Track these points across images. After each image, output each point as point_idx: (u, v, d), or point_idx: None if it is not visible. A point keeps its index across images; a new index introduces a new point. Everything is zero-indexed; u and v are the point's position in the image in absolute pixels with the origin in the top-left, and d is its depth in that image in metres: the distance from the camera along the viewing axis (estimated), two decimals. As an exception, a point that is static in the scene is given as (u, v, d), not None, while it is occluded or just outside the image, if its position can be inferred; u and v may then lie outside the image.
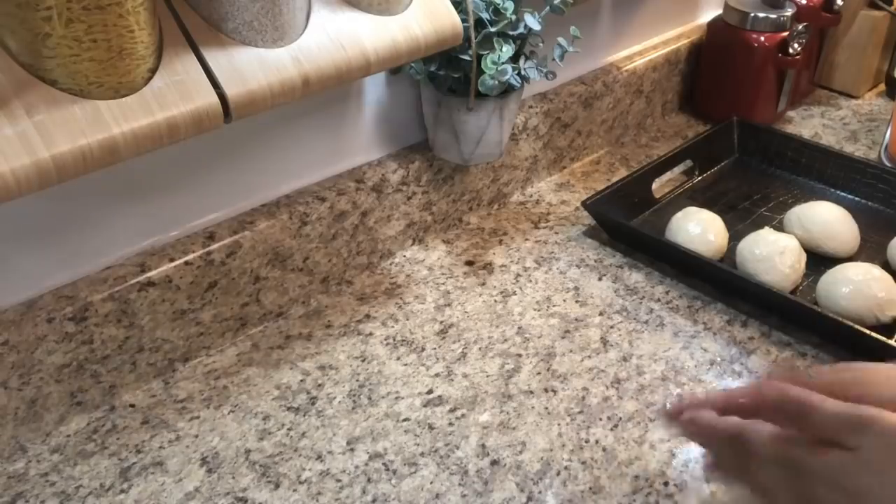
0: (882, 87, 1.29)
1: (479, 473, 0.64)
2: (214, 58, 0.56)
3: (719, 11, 1.15)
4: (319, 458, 0.65)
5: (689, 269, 0.85)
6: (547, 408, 0.70)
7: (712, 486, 0.61)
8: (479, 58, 0.75)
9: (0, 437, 0.64)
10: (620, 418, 0.69)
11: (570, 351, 0.76)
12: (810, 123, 1.19)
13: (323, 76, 0.61)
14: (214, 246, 0.71)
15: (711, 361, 0.75)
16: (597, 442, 0.67)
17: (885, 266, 0.82)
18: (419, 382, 0.72)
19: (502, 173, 0.97)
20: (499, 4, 0.75)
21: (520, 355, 0.75)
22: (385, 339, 0.77)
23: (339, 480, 0.63)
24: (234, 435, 0.67)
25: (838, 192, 0.99)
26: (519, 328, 0.79)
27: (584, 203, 0.91)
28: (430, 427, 0.68)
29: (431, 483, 0.63)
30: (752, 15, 1.09)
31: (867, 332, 0.72)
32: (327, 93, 0.74)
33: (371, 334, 0.78)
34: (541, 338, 0.77)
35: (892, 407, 0.43)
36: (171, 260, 0.69)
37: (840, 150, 1.04)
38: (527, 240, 0.92)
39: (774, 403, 0.47)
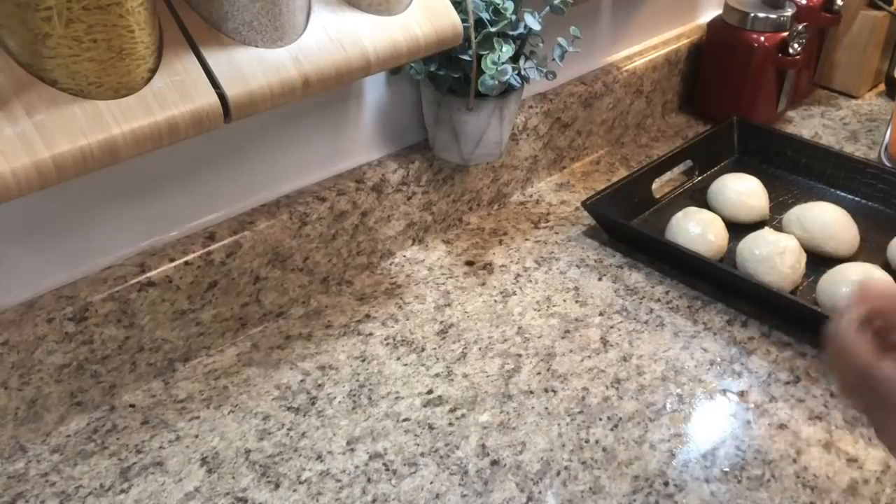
0: (882, 87, 1.29)
1: (479, 473, 0.64)
2: (214, 58, 0.56)
3: (719, 11, 1.15)
4: (319, 458, 0.65)
5: (689, 269, 0.85)
6: (547, 408, 0.70)
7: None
8: (479, 58, 0.75)
9: (0, 437, 0.64)
10: (620, 418, 0.69)
11: (570, 351, 0.76)
12: (810, 123, 1.19)
13: (323, 76, 0.61)
14: (214, 246, 0.71)
15: (711, 361, 0.75)
16: (597, 442, 0.67)
17: (885, 266, 0.82)
18: (419, 382, 0.72)
19: (502, 173, 0.97)
20: (499, 4, 0.75)
21: (520, 355, 0.75)
22: (385, 339, 0.77)
23: (339, 480, 0.63)
24: (234, 435, 0.67)
25: (838, 192, 0.99)
26: (519, 328, 0.79)
27: (584, 203, 0.91)
28: (430, 427, 0.68)
29: (431, 483, 0.63)
30: (752, 15, 1.09)
31: (867, 332, 0.72)
32: (327, 93, 0.74)
33: (371, 334, 0.78)
34: (541, 338, 0.77)
35: None
36: (171, 260, 0.69)
37: (840, 150, 1.04)
38: (527, 240, 0.92)
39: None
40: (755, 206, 0.93)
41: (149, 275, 0.68)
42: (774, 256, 0.81)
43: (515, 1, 0.76)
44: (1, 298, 0.63)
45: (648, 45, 1.15)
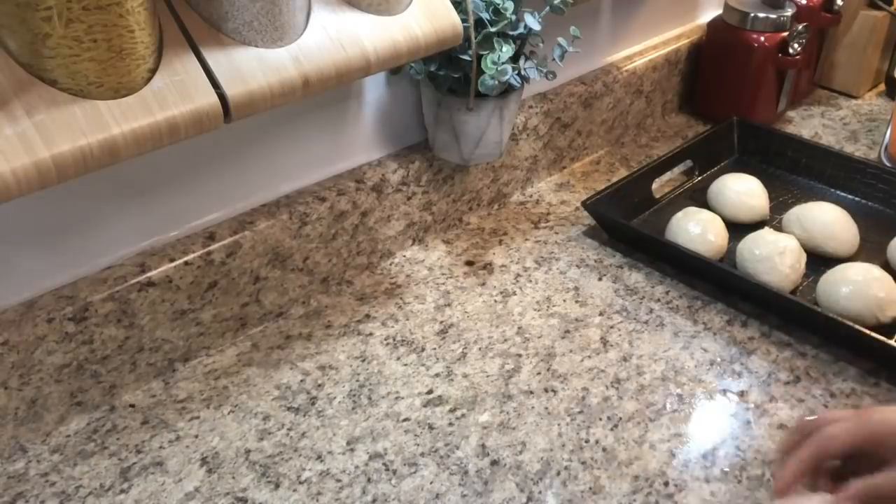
0: (882, 87, 1.29)
1: (479, 473, 0.64)
2: (214, 58, 0.56)
3: (719, 11, 1.15)
4: (319, 458, 0.65)
5: (689, 269, 0.85)
6: (547, 408, 0.70)
7: None
8: (479, 58, 0.75)
9: (0, 437, 0.64)
10: (620, 418, 0.69)
11: (570, 351, 0.76)
12: (810, 123, 1.19)
13: (323, 76, 0.61)
14: (214, 246, 0.71)
15: (711, 361, 0.75)
16: (597, 442, 0.67)
17: (885, 266, 0.82)
18: (419, 382, 0.72)
19: (502, 173, 0.97)
20: (499, 4, 0.75)
21: (520, 355, 0.75)
22: (385, 339, 0.77)
23: (339, 480, 0.63)
24: (234, 435, 0.67)
25: (838, 192, 0.99)
26: (519, 328, 0.79)
27: (583, 203, 0.91)
28: (430, 427, 0.68)
29: (431, 483, 0.63)
30: (752, 15, 1.09)
31: (867, 332, 0.72)
32: (327, 93, 0.74)
33: (371, 334, 0.78)
34: (541, 338, 0.77)
35: None
36: (171, 260, 0.69)
37: (840, 150, 1.04)
38: (527, 240, 0.92)
39: None
40: (755, 206, 0.93)
41: (149, 275, 0.68)
42: (774, 256, 0.81)
43: (515, 1, 0.76)
44: (1, 298, 0.63)
45: (648, 45, 1.15)
